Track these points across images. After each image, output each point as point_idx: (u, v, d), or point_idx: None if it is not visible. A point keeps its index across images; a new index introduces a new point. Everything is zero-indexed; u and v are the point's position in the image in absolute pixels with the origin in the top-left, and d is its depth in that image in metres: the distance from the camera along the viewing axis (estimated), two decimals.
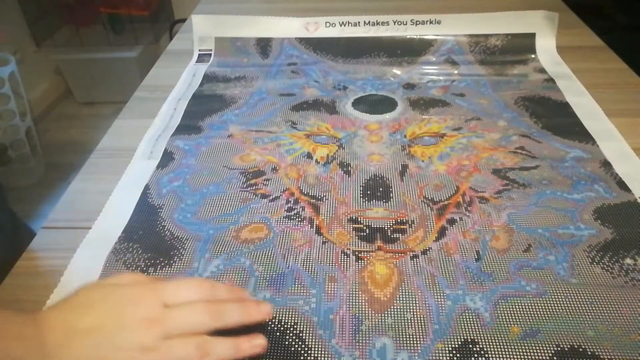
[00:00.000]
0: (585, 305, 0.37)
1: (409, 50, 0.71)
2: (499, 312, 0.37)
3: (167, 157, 0.54)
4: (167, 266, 0.41)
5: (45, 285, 0.40)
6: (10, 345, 0.30)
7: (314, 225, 0.45)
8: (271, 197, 0.48)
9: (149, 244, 0.43)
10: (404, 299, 0.38)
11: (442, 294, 0.38)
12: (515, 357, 0.34)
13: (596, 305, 0.37)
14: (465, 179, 0.50)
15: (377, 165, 0.52)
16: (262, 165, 0.52)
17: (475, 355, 0.34)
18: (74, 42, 1.88)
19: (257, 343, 0.33)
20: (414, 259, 0.41)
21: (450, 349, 0.34)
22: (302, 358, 0.34)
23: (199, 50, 0.75)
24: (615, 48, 0.73)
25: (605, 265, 0.40)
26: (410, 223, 0.45)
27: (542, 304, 0.37)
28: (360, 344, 0.35)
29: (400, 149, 0.54)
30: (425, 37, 0.72)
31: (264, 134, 0.58)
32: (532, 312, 0.36)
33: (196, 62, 0.73)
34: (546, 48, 0.71)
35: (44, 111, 1.90)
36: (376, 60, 0.71)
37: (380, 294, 0.38)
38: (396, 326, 0.36)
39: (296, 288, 0.39)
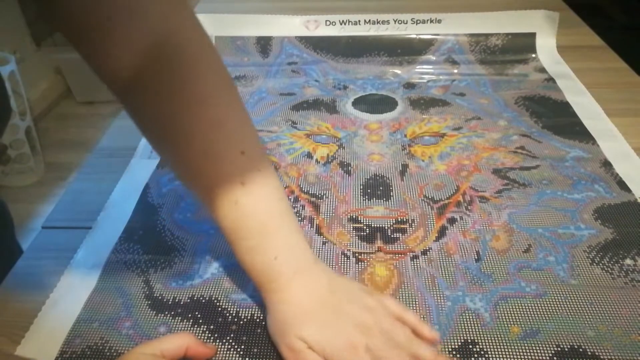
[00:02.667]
0: (585, 306, 0.37)
1: (409, 50, 0.71)
2: (499, 312, 0.37)
3: None
4: (168, 267, 0.41)
5: (45, 285, 0.40)
6: None
7: (314, 225, 0.45)
8: None
9: (150, 245, 0.43)
10: (404, 300, 0.38)
11: (441, 295, 0.38)
12: (515, 357, 0.34)
13: (596, 306, 0.37)
14: (466, 179, 0.50)
15: (378, 165, 0.52)
16: None
17: (475, 355, 0.34)
18: None
19: None
20: (414, 260, 0.41)
21: (450, 349, 0.34)
22: None
23: None
24: (616, 47, 0.72)
25: (605, 266, 0.40)
26: (410, 222, 0.45)
27: (542, 305, 0.37)
28: None
29: (400, 148, 0.54)
30: (426, 36, 0.71)
31: (264, 133, 0.58)
32: (532, 313, 0.36)
33: None
34: (546, 47, 0.71)
35: (43, 111, 1.90)
36: (376, 59, 0.71)
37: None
38: None
39: None
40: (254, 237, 0.34)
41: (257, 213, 0.35)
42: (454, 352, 0.34)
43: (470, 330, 0.36)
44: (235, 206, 0.34)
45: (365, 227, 0.44)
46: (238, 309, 0.38)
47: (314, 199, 0.48)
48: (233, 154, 0.34)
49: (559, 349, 0.34)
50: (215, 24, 0.74)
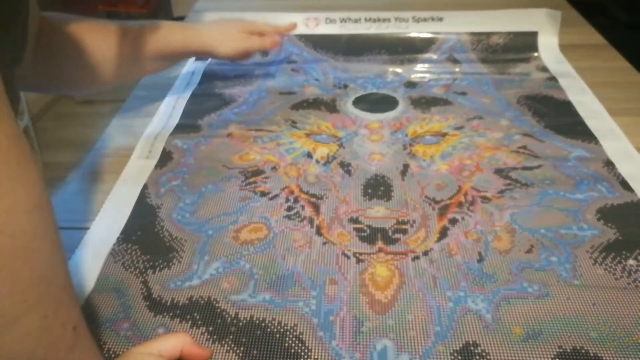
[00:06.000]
0: (588, 307, 0.36)
1: (410, 48, 0.71)
2: (500, 313, 0.36)
3: (166, 157, 0.53)
4: (166, 268, 0.41)
5: None
6: None
7: (314, 225, 0.44)
8: (270, 195, 0.48)
9: (148, 245, 0.43)
10: (405, 300, 0.37)
11: (443, 296, 0.38)
12: (517, 358, 0.33)
13: (599, 307, 0.36)
14: (468, 179, 0.49)
15: (378, 165, 0.52)
16: (261, 165, 0.52)
17: (477, 357, 0.34)
18: None
19: None
20: (415, 260, 0.41)
21: (451, 351, 0.34)
22: None
23: None
24: (618, 46, 0.72)
25: (607, 267, 0.39)
26: (411, 223, 0.44)
27: (544, 306, 0.37)
28: (361, 346, 0.35)
29: (401, 148, 0.54)
30: (427, 34, 0.71)
31: (264, 132, 0.57)
32: (534, 314, 0.36)
33: (195, 60, 0.73)
34: (549, 46, 0.71)
35: (41, 110, 1.89)
36: (377, 58, 0.71)
37: (381, 295, 0.38)
38: (397, 328, 0.36)
39: (296, 290, 0.39)
40: None
41: None
42: (456, 354, 0.34)
43: (472, 331, 0.35)
44: None
45: (366, 228, 0.44)
46: (237, 311, 0.37)
47: (314, 199, 0.47)
48: None
49: (561, 350, 0.34)
50: None
